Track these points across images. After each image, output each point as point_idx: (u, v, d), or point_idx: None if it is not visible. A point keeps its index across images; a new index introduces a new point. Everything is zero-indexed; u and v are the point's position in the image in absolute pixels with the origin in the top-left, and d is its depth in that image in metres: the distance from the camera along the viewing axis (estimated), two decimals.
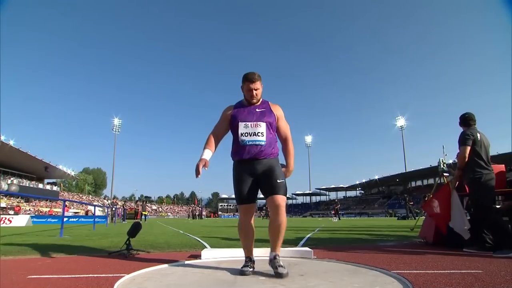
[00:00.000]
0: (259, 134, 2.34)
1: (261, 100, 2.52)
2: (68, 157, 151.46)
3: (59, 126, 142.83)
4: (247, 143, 2.33)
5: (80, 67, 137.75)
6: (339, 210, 27.03)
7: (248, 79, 2.39)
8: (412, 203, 23.94)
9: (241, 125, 2.37)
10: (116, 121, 66.52)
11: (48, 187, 53.51)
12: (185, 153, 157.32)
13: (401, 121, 63.93)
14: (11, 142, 39.00)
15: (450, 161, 19.15)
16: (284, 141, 2.56)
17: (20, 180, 46.35)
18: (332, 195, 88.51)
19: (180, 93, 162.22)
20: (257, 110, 2.44)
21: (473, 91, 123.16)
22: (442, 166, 8.29)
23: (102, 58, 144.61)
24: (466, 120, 3.85)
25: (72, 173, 60.20)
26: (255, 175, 2.35)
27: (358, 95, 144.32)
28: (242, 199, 2.38)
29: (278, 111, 2.52)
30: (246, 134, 2.34)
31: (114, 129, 66.25)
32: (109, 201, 36.73)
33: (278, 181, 2.30)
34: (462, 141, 3.71)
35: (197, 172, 2.19)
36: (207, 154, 2.35)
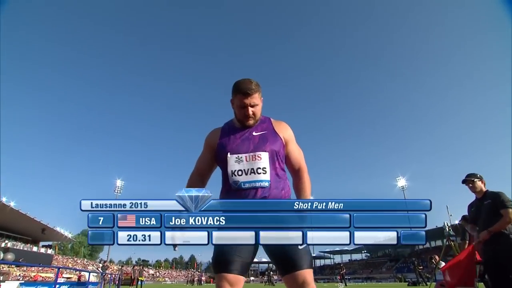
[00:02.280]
0: (259, 171, 1.57)
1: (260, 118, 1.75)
2: (67, 218, 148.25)
3: (60, 188, 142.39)
4: (242, 186, 1.57)
5: (84, 129, 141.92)
6: (345, 274, 25.97)
7: (241, 90, 1.63)
8: (421, 267, 23.05)
9: (231, 158, 1.61)
10: (119, 182, 66.62)
11: (42, 250, 51.58)
12: None
13: (401, 182, 63.76)
14: (12, 204, 38.72)
15: (456, 222, 18.91)
16: (297, 173, 1.75)
17: (14, 243, 44.90)
18: (337, 258, 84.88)
19: (182, 155, 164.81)
20: (254, 134, 1.68)
21: (472, 151, 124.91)
22: (447, 230, 8.34)
23: (109, 119, 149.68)
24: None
25: (69, 236, 58.65)
26: None
27: (357, 157, 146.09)
28: (226, 265, 1.46)
29: (285, 131, 1.75)
30: (240, 173, 1.59)
31: (116, 191, 65.98)
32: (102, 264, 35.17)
33: (300, 247, 1.44)
34: (507, 202, 3.31)
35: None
36: None
